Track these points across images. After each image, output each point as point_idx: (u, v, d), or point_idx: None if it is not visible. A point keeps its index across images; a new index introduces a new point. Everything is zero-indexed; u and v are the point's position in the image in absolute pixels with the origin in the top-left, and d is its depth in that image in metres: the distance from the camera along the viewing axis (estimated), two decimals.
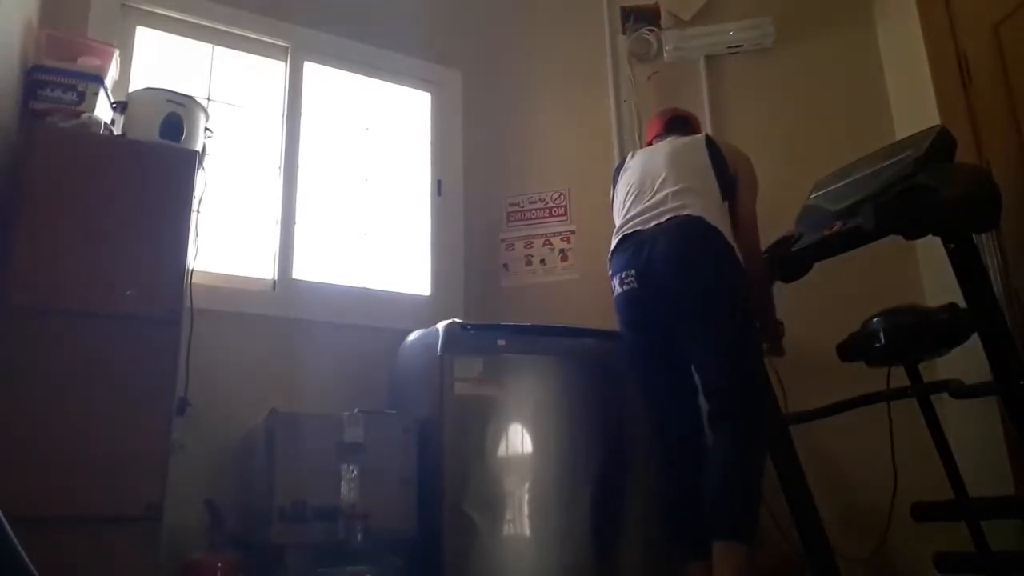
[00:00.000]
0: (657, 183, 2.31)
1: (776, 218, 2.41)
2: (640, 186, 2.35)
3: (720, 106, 3.14)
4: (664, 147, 2.43)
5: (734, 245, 2.18)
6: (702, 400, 2.19)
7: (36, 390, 1.84)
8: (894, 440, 2.41)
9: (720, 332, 2.12)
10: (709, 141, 2.39)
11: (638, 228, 2.27)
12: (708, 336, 2.13)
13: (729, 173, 2.31)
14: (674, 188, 2.26)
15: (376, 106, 3.32)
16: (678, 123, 2.56)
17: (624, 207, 2.38)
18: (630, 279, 2.23)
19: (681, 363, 2.23)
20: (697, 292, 2.14)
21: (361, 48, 3.26)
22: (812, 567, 2.29)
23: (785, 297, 2.46)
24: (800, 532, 2.30)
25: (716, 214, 2.21)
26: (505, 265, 3.25)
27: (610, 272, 2.32)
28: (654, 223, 2.23)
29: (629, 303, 2.26)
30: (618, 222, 2.38)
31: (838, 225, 2.16)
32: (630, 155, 2.58)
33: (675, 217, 2.20)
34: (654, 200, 2.27)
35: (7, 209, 1.97)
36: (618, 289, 2.28)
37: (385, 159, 3.28)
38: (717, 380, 2.11)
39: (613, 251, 2.34)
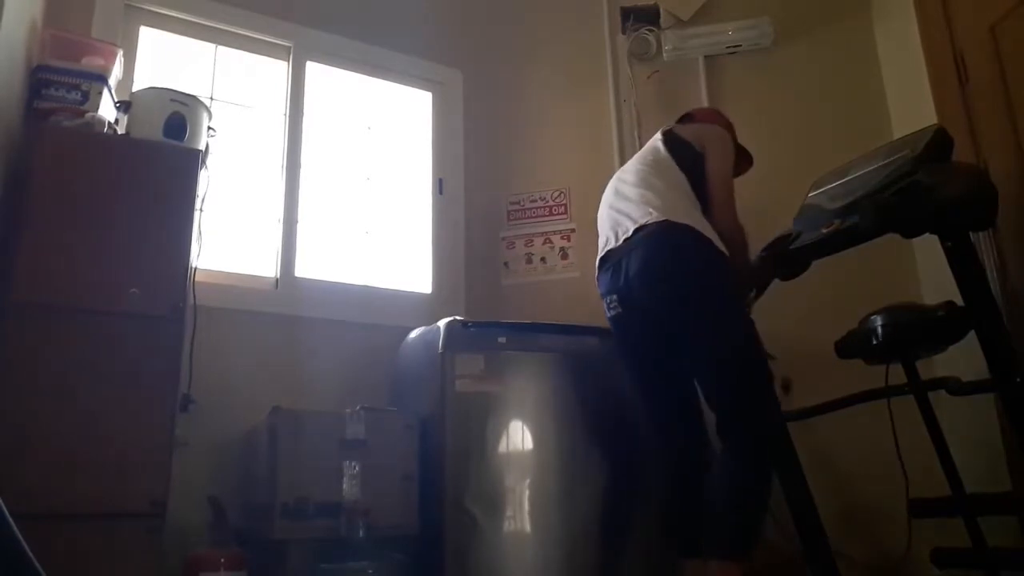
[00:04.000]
0: (622, 198, 2.30)
1: (774, 216, 2.43)
2: (611, 204, 2.35)
3: (719, 105, 3.12)
4: (631, 163, 2.43)
5: (711, 237, 2.11)
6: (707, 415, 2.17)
7: (40, 388, 1.85)
8: (897, 438, 2.41)
9: (710, 341, 2.06)
10: (665, 133, 2.38)
11: (610, 248, 2.26)
12: (700, 346, 2.08)
13: (695, 152, 2.29)
14: (637, 199, 2.23)
15: (378, 105, 3.34)
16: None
17: (603, 229, 2.37)
18: (614, 304, 2.23)
19: (679, 381, 2.20)
20: (678, 305, 2.09)
21: (363, 48, 3.27)
22: (812, 567, 2.30)
23: (784, 295, 2.47)
24: (800, 532, 2.31)
25: (683, 209, 2.16)
26: (506, 263, 3.27)
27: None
28: (623, 239, 2.21)
29: (618, 328, 2.26)
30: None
31: (836, 223, 2.17)
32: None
33: (643, 227, 2.15)
34: (620, 216, 2.26)
35: (11, 207, 1.98)
36: (608, 313, 2.28)
37: (387, 158, 3.29)
38: (717, 391, 2.07)
39: (597, 274, 2.33)
